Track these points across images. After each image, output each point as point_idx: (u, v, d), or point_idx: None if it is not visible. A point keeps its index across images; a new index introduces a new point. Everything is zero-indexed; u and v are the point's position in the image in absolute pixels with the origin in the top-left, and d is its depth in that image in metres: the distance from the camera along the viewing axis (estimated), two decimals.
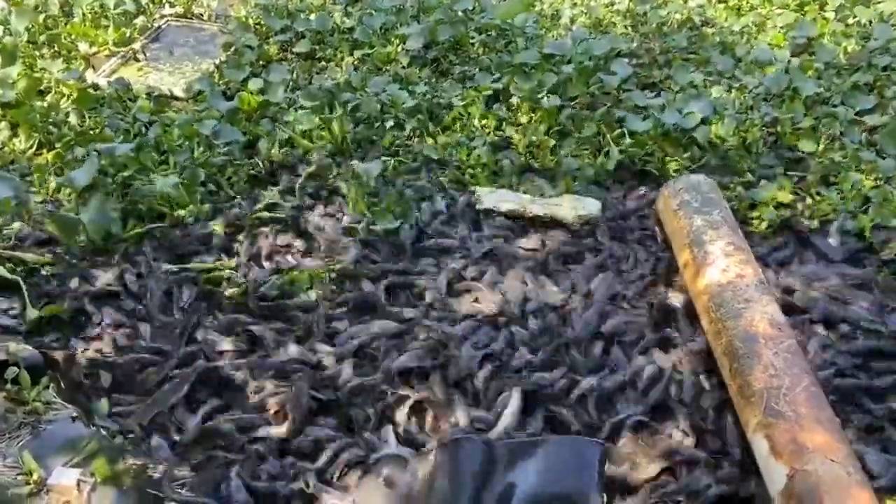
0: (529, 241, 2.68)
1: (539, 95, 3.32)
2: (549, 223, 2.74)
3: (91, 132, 3.11)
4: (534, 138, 3.14)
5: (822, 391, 1.91)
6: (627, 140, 3.09)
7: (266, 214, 2.75)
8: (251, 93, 3.33)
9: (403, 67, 3.70)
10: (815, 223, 2.74)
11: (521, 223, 2.77)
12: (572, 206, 2.75)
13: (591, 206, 2.77)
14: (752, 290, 2.12)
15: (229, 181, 2.94)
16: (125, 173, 2.87)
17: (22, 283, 2.37)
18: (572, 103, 3.37)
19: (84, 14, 4.08)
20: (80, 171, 2.76)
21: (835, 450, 1.73)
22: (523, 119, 3.29)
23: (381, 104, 3.34)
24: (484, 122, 3.28)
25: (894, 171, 2.94)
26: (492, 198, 2.81)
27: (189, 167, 2.90)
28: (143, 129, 3.19)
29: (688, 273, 2.35)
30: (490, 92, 3.44)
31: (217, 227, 2.67)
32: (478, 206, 2.79)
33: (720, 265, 2.23)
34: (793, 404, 1.83)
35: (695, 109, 3.18)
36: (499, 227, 2.73)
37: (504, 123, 3.28)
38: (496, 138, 3.20)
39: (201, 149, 3.03)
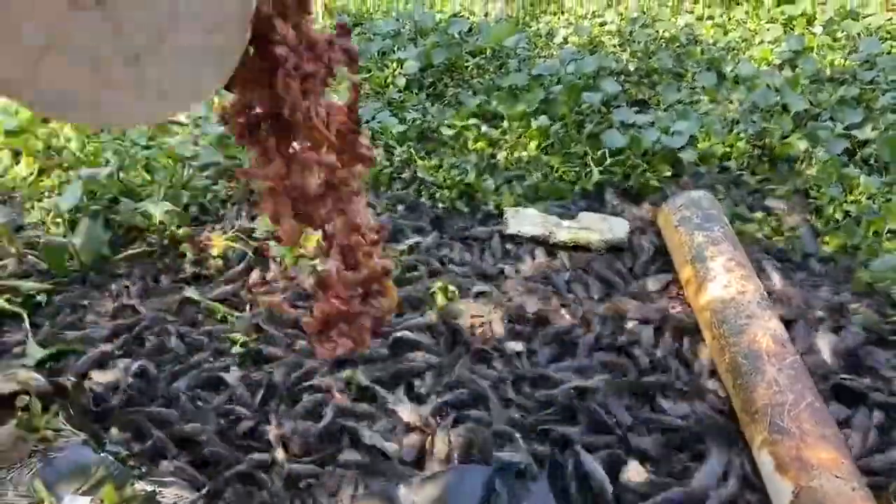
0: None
1: (529, 110, 3.38)
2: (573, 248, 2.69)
3: (91, 158, 3.14)
4: (524, 154, 3.17)
5: (825, 406, 1.93)
6: (609, 160, 3.13)
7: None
8: None
9: (399, 91, 3.74)
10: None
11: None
12: (598, 230, 2.68)
13: (618, 228, 2.69)
14: (754, 305, 2.14)
15: (210, 203, 2.97)
16: (109, 195, 2.91)
17: (25, 315, 2.38)
18: (561, 123, 3.41)
19: None
20: (64, 196, 2.78)
21: (839, 465, 1.74)
22: (511, 139, 3.33)
23: (371, 132, 3.36)
24: (478, 144, 3.31)
25: (879, 187, 2.95)
26: (518, 220, 2.76)
27: (173, 189, 2.94)
28: (138, 154, 3.22)
29: (690, 289, 2.38)
30: (480, 115, 3.49)
31: (188, 251, 2.70)
32: (505, 232, 2.74)
33: (722, 281, 2.25)
34: (797, 420, 1.84)
35: (681, 127, 3.22)
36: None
37: (495, 145, 3.32)
38: (486, 160, 3.23)
39: (188, 171, 3.08)
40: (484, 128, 3.41)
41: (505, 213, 2.83)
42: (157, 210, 2.72)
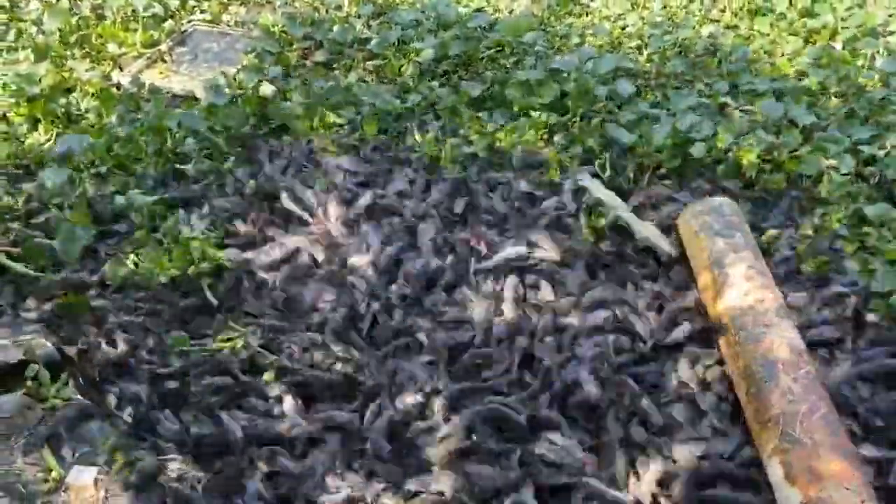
0: None
1: (542, 104, 3.40)
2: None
3: (102, 128, 3.15)
4: (524, 138, 3.19)
5: (838, 418, 1.92)
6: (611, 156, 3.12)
7: None
8: (256, 93, 3.39)
9: (412, 78, 3.73)
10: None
11: None
12: (652, 233, 2.66)
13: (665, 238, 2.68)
14: (772, 314, 2.13)
15: (195, 165, 2.99)
16: (102, 168, 2.94)
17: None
18: (571, 119, 3.39)
19: (115, 17, 4.13)
20: (50, 171, 2.78)
21: (850, 477, 1.74)
22: (519, 127, 3.32)
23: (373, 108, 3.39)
24: (475, 127, 3.30)
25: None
26: (592, 184, 2.90)
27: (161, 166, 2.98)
28: (144, 124, 3.19)
29: (707, 295, 2.36)
30: (485, 100, 3.51)
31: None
32: (579, 183, 2.90)
33: (741, 289, 2.24)
34: (809, 430, 1.84)
35: (692, 132, 3.20)
36: None
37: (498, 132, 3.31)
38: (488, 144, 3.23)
39: (174, 138, 3.11)
40: (493, 115, 3.43)
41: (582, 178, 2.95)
42: (140, 201, 2.69)
